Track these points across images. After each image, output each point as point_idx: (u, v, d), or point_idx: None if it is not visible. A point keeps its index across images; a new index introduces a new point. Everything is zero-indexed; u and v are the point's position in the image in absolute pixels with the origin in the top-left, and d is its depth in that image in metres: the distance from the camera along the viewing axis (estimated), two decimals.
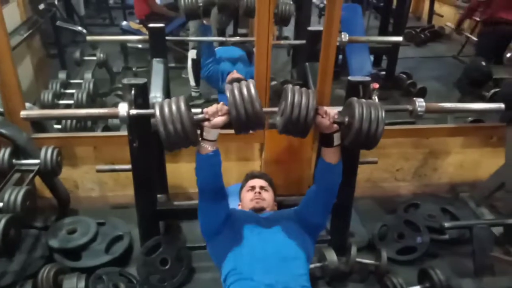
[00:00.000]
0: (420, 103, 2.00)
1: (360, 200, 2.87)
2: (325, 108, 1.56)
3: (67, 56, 4.26)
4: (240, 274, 1.61)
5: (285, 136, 2.67)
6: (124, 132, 2.17)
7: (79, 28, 4.07)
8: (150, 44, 2.83)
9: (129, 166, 2.21)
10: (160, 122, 1.46)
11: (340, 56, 4.12)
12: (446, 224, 2.37)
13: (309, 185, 2.76)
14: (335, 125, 1.56)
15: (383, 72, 4.55)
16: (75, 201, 2.79)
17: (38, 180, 2.59)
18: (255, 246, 1.66)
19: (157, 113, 1.47)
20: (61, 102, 3.18)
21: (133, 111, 1.88)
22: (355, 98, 1.55)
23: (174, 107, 1.46)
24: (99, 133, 2.91)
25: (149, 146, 2.13)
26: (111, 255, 2.38)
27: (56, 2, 4.36)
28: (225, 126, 1.59)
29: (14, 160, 2.34)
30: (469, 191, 2.99)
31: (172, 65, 4.53)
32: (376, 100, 3.69)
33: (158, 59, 2.83)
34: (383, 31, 4.77)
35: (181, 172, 2.75)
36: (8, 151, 2.32)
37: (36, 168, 2.34)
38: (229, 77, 3.25)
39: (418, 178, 3.07)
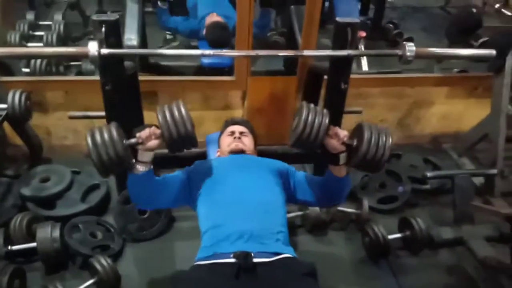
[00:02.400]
0: (410, 48, 1.94)
1: None
2: (336, 129, 1.55)
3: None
4: (214, 221, 1.55)
5: (268, 85, 2.64)
6: (97, 77, 2.03)
7: None
8: None
9: (103, 113, 2.09)
10: (93, 151, 1.42)
11: (327, 4, 3.97)
12: (429, 174, 2.36)
13: None
14: (343, 146, 1.55)
15: (369, 21, 4.41)
16: (48, 150, 2.68)
17: (8, 127, 2.46)
18: (230, 193, 1.61)
19: (89, 141, 1.43)
20: (29, 44, 2.97)
21: (105, 51, 1.75)
22: (366, 123, 1.55)
23: (106, 135, 1.44)
24: (70, 77, 2.76)
25: (123, 90, 2.00)
26: (87, 204, 2.31)
27: None
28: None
29: None
30: (452, 143, 2.98)
31: (150, 9, 4.30)
32: (362, 49, 3.64)
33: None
34: None
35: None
36: None
37: (3, 113, 2.21)
38: (208, 21, 3.07)
39: (401, 129, 3.04)
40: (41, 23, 3.29)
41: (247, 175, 1.67)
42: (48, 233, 1.98)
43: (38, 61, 2.69)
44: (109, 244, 2.14)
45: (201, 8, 3.24)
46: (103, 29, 1.77)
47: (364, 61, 3.53)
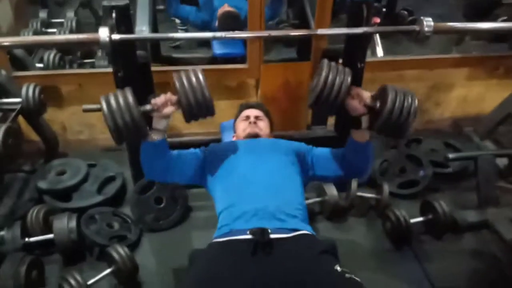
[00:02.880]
0: (428, 22, 1.88)
1: None
2: (358, 89, 1.47)
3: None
4: (229, 201, 1.52)
5: (281, 72, 2.59)
6: (110, 69, 2.02)
7: None
8: None
9: None
10: (108, 116, 1.38)
11: None
12: (450, 155, 2.28)
13: (308, 123, 2.69)
14: (365, 109, 1.46)
15: (384, 9, 4.33)
16: (64, 144, 2.68)
17: (24, 123, 2.47)
18: (245, 173, 1.56)
19: (104, 106, 1.39)
20: None
21: (116, 36, 1.73)
22: (390, 85, 1.45)
23: (121, 100, 1.39)
24: (83, 70, 2.76)
25: (136, 78, 1.99)
26: (104, 196, 2.30)
27: None
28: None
29: None
30: (473, 126, 2.88)
31: (161, 7, 4.30)
32: (378, 39, 3.57)
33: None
34: None
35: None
36: None
37: (18, 107, 2.22)
38: (220, 11, 3.05)
39: (421, 114, 2.94)
40: (53, 21, 3.31)
41: (261, 156, 1.63)
42: (64, 224, 1.97)
43: (51, 55, 2.70)
44: (126, 234, 2.12)
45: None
46: (114, 15, 1.76)
47: (379, 48, 3.46)
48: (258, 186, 1.50)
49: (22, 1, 3.61)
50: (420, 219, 2.19)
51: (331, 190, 2.23)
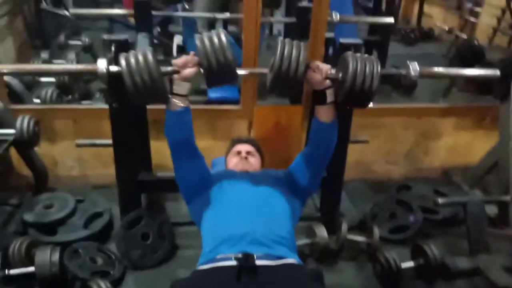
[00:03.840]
0: (413, 67, 1.95)
1: (350, 183, 2.79)
2: (317, 62, 1.49)
3: (51, 43, 4.14)
4: (215, 225, 1.50)
5: (274, 113, 2.65)
6: (105, 105, 2.06)
7: (65, 12, 3.96)
8: (135, 18, 2.76)
9: (110, 141, 2.10)
10: (127, 74, 1.37)
11: (331, 51, 4.08)
12: (440, 200, 2.28)
13: None
14: (328, 81, 1.48)
15: None
16: (54, 180, 2.67)
17: (15, 157, 2.48)
18: (234, 200, 1.57)
19: (123, 63, 1.38)
20: (42, 80, 3.06)
21: (114, 68, 1.78)
22: (349, 52, 1.48)
23: (141, 58, 1.38)
24: (79, 106, 2.80)
25: (130, 111, 2.03)
26: (90, 230, 2.26)
27: None
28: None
29: None
30: (462, 175, 2.92)
31: (161, 58, 4.45)
32: None
33: (143, 33, 2.75)
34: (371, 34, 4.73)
35: (166, 149, 2.60)
36: None
37: (11, 138, 2.23)
38: None
39: (410, 162, 3.00)
40: (54, 61, 3.40)
41: (251, 184, 1.64)
42: (47, 256, 1.91)
43: (49, 91, 2.75)
44: (109, 270, 2.06)
45: None
46: (113, 48, 1.83)
47: None
48: (246, 212, 1.50)
49: (25, 44, 3.74)
50: (411, 263, 2.15)
51: (321, 232, 2.21)
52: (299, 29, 2.86)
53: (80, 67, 1.84)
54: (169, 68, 1.44)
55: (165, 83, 1.42)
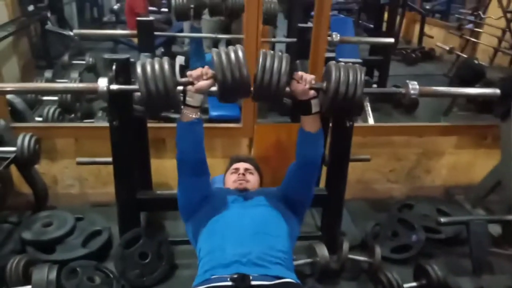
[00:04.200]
0: (413, 86, 1.95)
1: (352, 201, 2.76)
2: (301, 73, 1.51)
3: (55, 63, 4.19)
4: (211, 245, 1.48)
5: (275, 131, 2.66)
6: (106, 124, 2.07)
7: (69, 32, 4.03)
8: (138, 38, 2.78)
9: (111, 159, 2.10)
10: (141, 80, 1.38)
11: None
12: (442, 219, 2.26)
13: None
14: (312, 91, 1.50)
15: (375, 85, 4.53)
16: (54, 198, 2.66)
17: (16, 174, 2.48)
18: (230, 219, 1.55)
19: (139, 70, 1.40)
20: (44, 98, 3.08)
21: (114, 87, 1.80)
22: (333, 62, 1.50)
23: (157, 66, 1.40)
24: (80, 124, 2.82)
25: (131, 129, 2.03)
26: (88, 249, 2.24)
27: (49, 15, 4.35)
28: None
29: None
30: (464, 194, 2.90)
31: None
32: (369, 109, 3.71)
33: (146, 54, 2.77)
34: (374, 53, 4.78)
35: (166, 167, 2.63)
36: None
37: (12, 156, 2.23)
38: None
39: (411, 180, 2.98)
40: (58, 80, 3.44)
41: (248, 203, 1.63)
42: (44, 274, 1.88)
43: (51, 110, 2.77)
44: None
45: None
46: (114, 67, 1.85)
47: (370, 118, 3.58)
48: (242, 232, 1.48)
49: (29, 63, 3.80)
50: (413, 284, 2.12)
51: (322, 251, 2.18)
52: (299, 49, 2.88)
53: (81, 85, 1.86)
54: (184, 79, 1.46)
55: (178, 94, 1.44)
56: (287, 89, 1.50)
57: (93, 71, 3.89)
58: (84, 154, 2.56)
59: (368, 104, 3.72)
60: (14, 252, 2.21)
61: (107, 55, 1.85)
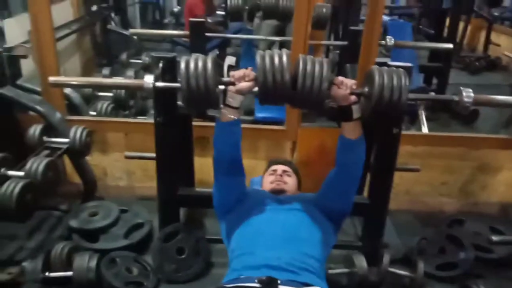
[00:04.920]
0: (467, 93, 1.84)
1: (398, 213, 2.65)
2: (341, 78, 1.47)
3: (115, 61, 4.39)
4: (242, 248, 1.48)
5: (319, 135, 2.61)
6: None
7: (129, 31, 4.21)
8: (190, 38, 2.84)
9: None
10: (184, 76, 1.40)
11: None
12: (494, 238, 2.11)
13: None
14: (353, 96, 1.45)
15: (432, 93, 4.33)
16: (103, 189, 2.77)
17: (68, 165, 2.61)
18: (263, 223, 1.53)
19: (182, 65, 1.42)
20: (100, 94, 3.23)
21: (159, 84, 1.84)
22: (375, 66, 1.45)
23: (200, 64, 1.41)
24: (130, 119, 2.91)
25: (175, 126, 2.08)
26: (129, 241, 2.31)
27: (112, 15, 4.57)
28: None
29: (45, 137, 2.36)
30: None
31: None
32: (423, 117, 3.54)
33: (197, 54, 2.82)
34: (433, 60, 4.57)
35: (209, 166, 2.62)
36: (39, 127, 2.35)
37: (65, 146, 2.35)
38: None
39: (465, 195, 2.80)
40: (115, 77, 3.58)
41: (282, 208, 1.60)
42: (85, 262, 1.97)
43: (105, 105, 2.90)
44: (143, 281, 2.08)
45: None
46: (160, 64, 1.89)
47: (424, 127, 3.42)
48: (274, 236, 1.46)
49: (90, 60, 4.01)
50: None
51: (361, 262, 2.10)
52: (351, 52, 2.81)
53: (128, 81, 1.93)
54: (226, 79, 1.46)
55: (218, 93, 1.44)
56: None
57: (149, 70, 4.01)
58: (134, 148, 2.64)
59: (423, 113, 3.57)
60: (61, 238, 2.33)
61: (154, 53, 1.90)
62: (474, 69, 5.82)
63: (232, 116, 1.50)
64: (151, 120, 2.69)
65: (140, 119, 3.30)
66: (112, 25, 4.18)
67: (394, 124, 1.96)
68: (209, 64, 1.42)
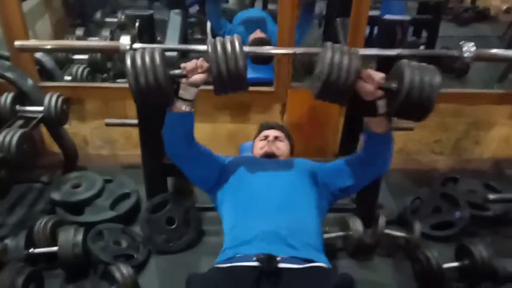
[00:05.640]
0: (468, 47, 1.74)
1: (391, 172, 2.55)
2: (369, 71, 1.35)
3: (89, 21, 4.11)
4: (236, 220, 1.40)
5: (309, 97, 2.45)
6: None
7: None
8: None
9: None
10: (131, 73, 1.29)
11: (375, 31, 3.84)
12: (491, 196, 2.07)
13: (334, 153, 2.54)
14: (380, 91, 1.34)
15: (423, 47, 4.21)
16: (84, 158, 2.64)
17: (46, 135, 2.47)
18: (256, 189, 1.45)
19: (128, 62, 1.31)
20: (75, 57, 3.02)
21: (137, 45, 1.69)
22: (405, 61, 1.33)
23: (147, 58, 1.30)
24: (109, 84, 2.75)
25: None
26: (115, 212, 2.21)
27: None
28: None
29: (17, 106, 2.20)
30: None
31: (198, 36, 4.34)
32: None
33: (175, 10, 2.63)
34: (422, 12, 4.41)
35: (196, 131, 2.53)
36: (11, 96, 2.18)
37: (40, 115, 2.20)
38: (252, 37, 3.01)
39: (458, 152, 2.75)
40: (89, 38, 3.36)
41: (275, 175, 1.51)
42: (70, 236, 1.88)
43: (80, 69, 2.71)
44: (133, 254, 2.01)
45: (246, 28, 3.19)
46: (137, 24, 1.73)
47: None
48: (269, 205, 1.38)
49: (62, 21, 3.74)
50: (454, 264, 1.97)
51: (356, 225, 2.06)
52: (340, 5, 2.65)
53: (102, 44, 1.79)
54: (177, 71, 1.37)
55: (171, 86, 1.35)
56: None
57: (125, 29, 3.78)
58: (114, 114, 2.50)
59: None
60: (44, 212, 2.23)
61: (129, 11, 1.73)
62: (463, 21, 5.68)
63: (186, 109, 1.41)
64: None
65: (120, 82, 3.12)
66: None
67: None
68: (157, 57, 1.31)
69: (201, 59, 1.37)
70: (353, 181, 1.53)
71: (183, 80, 1.37)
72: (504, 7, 4.90)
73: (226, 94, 1.41)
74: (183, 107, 1.39)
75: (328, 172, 1.56)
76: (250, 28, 3.13)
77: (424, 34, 4.28)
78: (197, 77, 1.35)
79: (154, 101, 1.35)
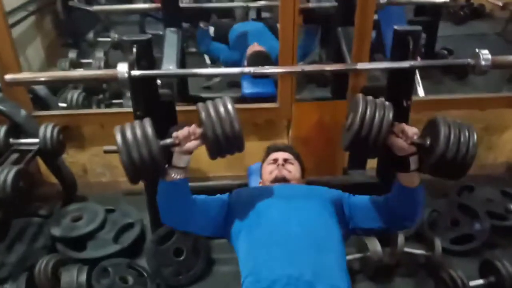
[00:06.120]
0: (485, 56, 1.65)
1: None
2: (403, 125, 1.26)
3: (82, 40, 4.03)
4: (254, 263, 1.29)
5: (315, 111, 2.39)
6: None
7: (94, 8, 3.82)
8: (163, 12, 2.55)
9: None
10: (123, 150, 1.22)
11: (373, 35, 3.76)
12: None
13: (343, 167, 2.45)
14: (413, 147, 1.25)
15: (423, 48, 4.13)
16: (84, 187, 2.54)
17: (43, 165, 2.36)
18: (274, 225, 1.34)
19: (118, 138, 1.23)
20: None
21: (135, 72, 1.60)
22: (440, 117, 1.25)
23: (138, 132, 1.22)
24: (105, 110, 2.66)
25: (157, 118, 1.82)
26: (120, 245, 2.11)
27: None
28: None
29: (11, 139, 2.10)
30: None
31: (193, 50, 4.25)
32: (418, 78, 3.36)
33: (171, 28, 2.54)
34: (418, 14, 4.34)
35: (199, 153, 2.43)
36: (4, 128, 2.08)
37: (35, 147, 2.09)
38: (250, 50, 2.92)
39: None
40: (82, 61, 3.28)
41: (293, 206, 1.40)
42: (73, 277, 1.79)
43: (75, 95, 2.62)
44: None
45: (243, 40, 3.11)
46: (134, 49, 1.63)
47: (420, 88, 3.24)
48: (291, 243, 1.27)
49: (54, 42, 3.65)
50: (480, 281, 1.87)
51: (374, 245, 1.96)
52: (342, 14, 2.56)
53: (98, 73, 1.69)
54: (169, 141, 1.28)
55: (163, 157, 1.26)
56: None
57: (120, 48, 3.69)
58: (112, 141, 2.39)
59: (417, 72, 3.38)
60: (45, 248, 2.12)
61: (126, 37, 1.63)
62: (459, 19, 5.62)
63: (179, 176, 1.31)
64: (127, 109, 2.47)
65: (116, 102, 3.03)
66: (74, 1, 3.77)
67: (404, 96, 1.77)
68: (149, 130, 1.24)
69: (193, 126, 1.29)
70: (378, 225, 1.43)
71: (176, 148, 1.29)
72: (501, 3, 4.81)
73: (222, 157, 1.33)
74: (177, 176, 1.31)
75: (355, 207, 1.45)
76: (248, 40, 3.06)
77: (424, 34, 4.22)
78: (191, 144, 1.28)
79: (148, 175, 1.28)
